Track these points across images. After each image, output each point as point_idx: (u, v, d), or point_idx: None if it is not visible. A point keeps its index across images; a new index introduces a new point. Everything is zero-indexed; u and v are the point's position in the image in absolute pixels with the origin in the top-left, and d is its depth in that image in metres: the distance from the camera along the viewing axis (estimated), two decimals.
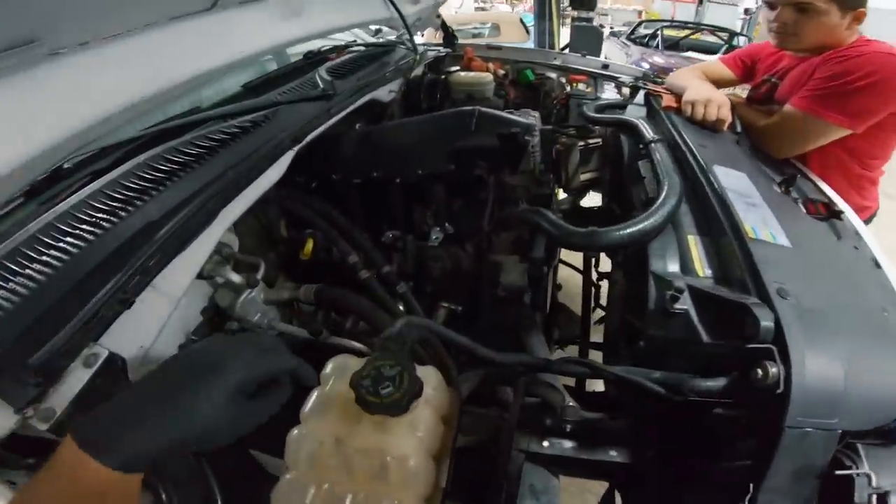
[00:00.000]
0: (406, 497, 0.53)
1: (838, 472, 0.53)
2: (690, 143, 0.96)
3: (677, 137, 1.02)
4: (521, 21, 6.31)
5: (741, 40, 6.22)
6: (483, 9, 13.96)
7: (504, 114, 1.02)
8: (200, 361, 0.44)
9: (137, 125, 1.02)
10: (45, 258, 0.62)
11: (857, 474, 0.53)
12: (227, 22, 1.03)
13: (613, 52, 6.95)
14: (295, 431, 0.56)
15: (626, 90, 1.61)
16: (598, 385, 1.09)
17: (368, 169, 1.05)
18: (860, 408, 0.54)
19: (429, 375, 0.61)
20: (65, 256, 0.63)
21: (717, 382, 0.57)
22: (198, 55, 0.97)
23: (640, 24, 7.16)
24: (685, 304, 0.63)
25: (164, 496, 0.58)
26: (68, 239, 0.66)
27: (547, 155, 1.05)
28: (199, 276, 0.79)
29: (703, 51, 5.94)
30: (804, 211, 0.90)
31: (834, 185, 1.12)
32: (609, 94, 1.69)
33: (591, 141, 1.28)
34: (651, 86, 1.42)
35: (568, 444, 0.69)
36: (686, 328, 0.63)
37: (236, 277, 0.84)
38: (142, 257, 0.64)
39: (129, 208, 0.72)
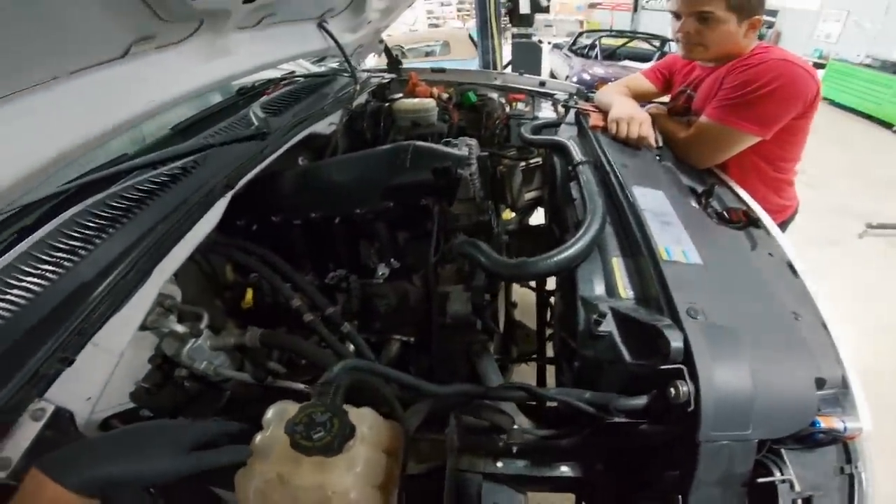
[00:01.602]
0: None
1: (760, 480, 0.56)
2: (613, 164, 1.00)
3: (603, 157, 1.07)
4: (471, 37, 6.46)
5: (672, 46, 6.60)
6: (436, 25, 14.19)
7: (438, 147, 1.04)
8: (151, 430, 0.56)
9: (61, 178, 0.98)
10: None
11: (780, 481, 0.56)
12: (144, 68, 1.00)
13: (557, 65, 7.17)
14: (241, 471, 0.58)
15: (561, 108, 1.67)
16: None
17: (307, 209, 1.04)
18: (772, 416, 0.57)
19: (363, 416, 0.65)
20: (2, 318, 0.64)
21: (640, 401, 0.60)
22: (114, 104, 0.95)
23: (580, 34, 7.35)
24: (609, 326, 0.67)
25: None
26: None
27: (486, 181, 1.08)
28: (143, 327, 0.81)
29: (639, 59, 6.19)
30: (721, 223, 0.96)
31: (753, 189, 1.17)
32: (546, 112, 1.74)
33: (531, 161, 1.32)
34: (581, 104, 1.48)
35: (521, 462, 0.71)
36: (611, 349, 0.66)
37: (180, 328, 0.85)
38: (78, 318, 0.65)
39: (60, 270, 0.72)
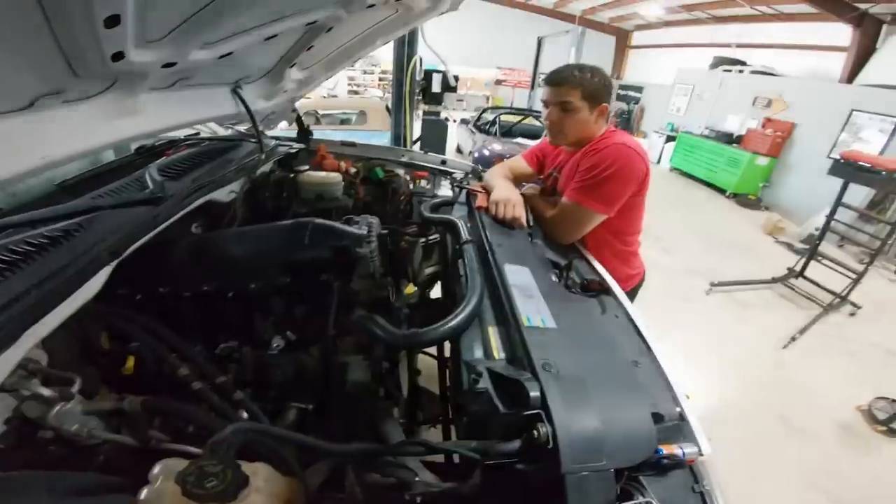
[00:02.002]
0: None
1: None
2: (491, 243, 1.18)
3: (484, 237, 1.23)
4: (387, 108, 6.77)
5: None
6: (356, 92, 14.52)
7: (338, 225, 1.11)
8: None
9: None
10: None
11: (641, 502, 0.66)
12: (46, 121, 0.95)
13: (463, 139, 7.69)
14: None
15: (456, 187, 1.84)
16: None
17: (199, 282, 1.03)
18: (621, 448, 0.67)
19: (257, 469, 0.67)
20: None
21: (514, 445, 0.69)
22: (9, 156, 0.88)
23: (484, 111, 7.95)
24: (485, 383, 0.77)
25: None
26: None
27: (385, 258, 1.16)
28: (1, 389, 0.74)
29: (530, 136, 6.83)
30: (579, 292, 1.17)
31: (605, 262, 1.36)
32: (445, 189, 1.92)
33: (430, 237, 1.43)
34: (473, 184, 1.67)
35: None
36: (489, 403, 0.76)
37: (46, 391, 0.80)
38: None
39: None
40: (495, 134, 6.81)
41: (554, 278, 1.16)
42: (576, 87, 1.34)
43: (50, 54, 0.81)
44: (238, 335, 1.07)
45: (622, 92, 13.08)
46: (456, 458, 1.20)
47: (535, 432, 0.65)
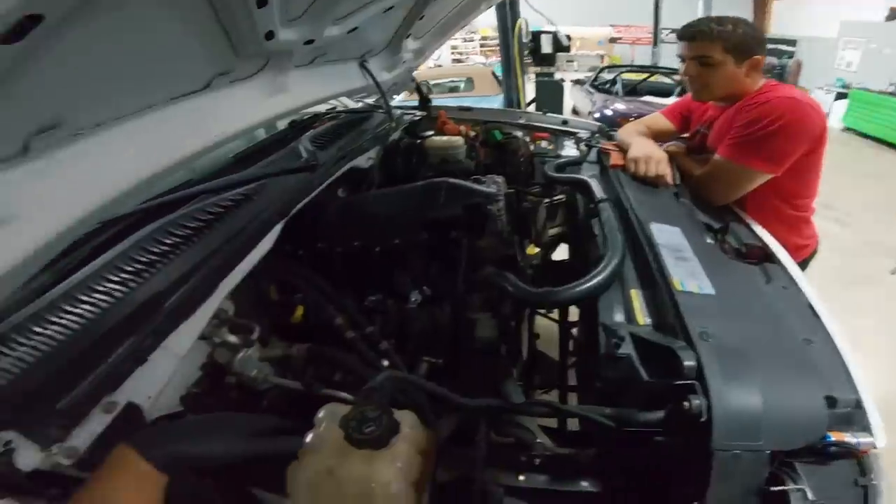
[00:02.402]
0: None
1: (773, 489, 0.60)
2: (632, 201, 1.08)
3: (622, 195, 1.15)
4: (494, 74, 6.69)
5: None
6: (460, 60, 14.60)
7: (470, 184, 1.13)
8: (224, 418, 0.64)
9: (142, 196, 1.09)
10: (66, 320, 0.71)
11: (792, 490, 0.60)
12: (220, 100, 1.10)
13: (579, 101, 7.22)
14: (294, 464, 0.64)
15: (583, 147, 1.75)
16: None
17: (350, 238, 1.15)
18: (782, 429, 0.62)
19: (405, 417, 0.71)
20: (82, 321, 0.72)
21: (656, 414, 0.66)
22: (195, 132, 1.04)
23: (601, 70, 7.41)
24: (627, 349, 0.73)
25: None
26: (84, 306, 0.75)
27: (512, 217, 1.16)
28: (200, 337, 0.88)
29: (659, 93, 6.20)
30: (737, 258, 1.02)
31: (770, 228, 1.20)
32: (569, 150, 1.82)
33: (555, 198, 1.39)
34: (603, 142, 1.56)
35: (542, 477, 0.75)
36: (630, 370, 0.72)
37: (233, 338, 0.93)
38: (154, 323, 0.74)
39: (139, 279, 0.82)
40: (617, 93, 6.28)
41: (710, 241, 1.03)
42: (714, 40, 1.22)
43: (217, 37, 0.93)
44: (381, 290, 1.17)
45: (770, 46, 11.13)
46: (572, 426, 1.19)
47: (686, 404, 0.61)
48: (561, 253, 1.57)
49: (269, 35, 1.02)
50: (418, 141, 1.80)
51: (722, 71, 1.24)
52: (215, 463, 0.59)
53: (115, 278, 0.81)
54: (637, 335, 0.76)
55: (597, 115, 5.75)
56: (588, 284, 0.84)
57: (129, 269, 0.84)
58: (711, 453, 0.59)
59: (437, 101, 2.35)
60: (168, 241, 0.92)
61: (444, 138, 1.77)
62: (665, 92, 6.27)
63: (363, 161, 1.56)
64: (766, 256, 1.05)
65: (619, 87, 6.34)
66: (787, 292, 0.94)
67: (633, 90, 6.54)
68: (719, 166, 1.25)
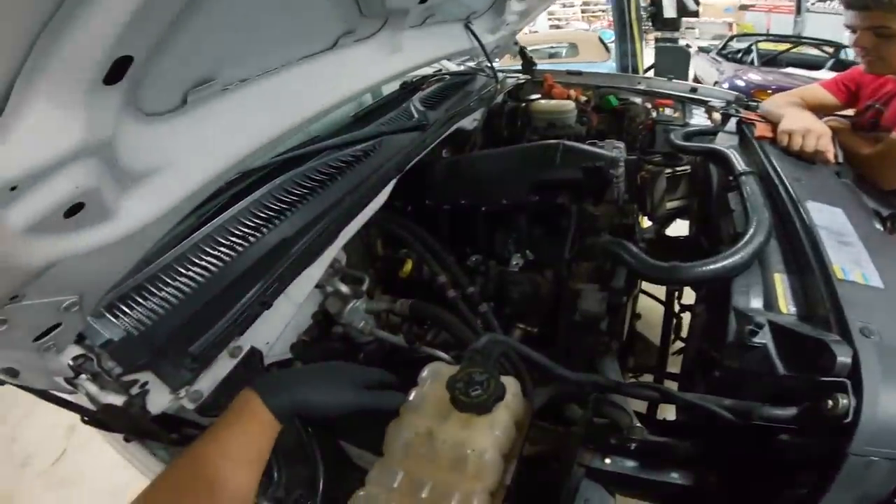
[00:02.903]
0: (476, 488, 0.60)
1: None
2: (784, 176, 0.94)
3: (770, 169, 1.00)
4: (601, 39, 6.19)
5: (850, 54, 5.57)
6: (558, 26, 13.77)
7: (589, 147, 1.06)
8: (336, 367, 0.64)
9: (274, 151, 1.16)
10: (203, 264, 0.77)
11: None
12: (344, 58, 1.13)
13: (703, 70, 6.53)
14: (394, 422, 0.66)
15: (717, 116, 1.57)
16: (667, 415, 1.08)
17: (457, 196, 1.15)
18: None
19: (510, 383, 0.69)
20: (219, 263, 0.78)
21: (787, 411, 0.59)
22: (323, 90, 1.07)
23: (731, 38, 6.64)
24: (764, 338, 0.66)
25: (274, 471, 0.69)
26: (222, 249, 0.81)
27: (631, 185, 1.08)
28: (315, 285, 0.92)
29: (806, 66, 5.38)
30: None
31: None
32: (698, 119, 1.64)
33: (678, 169, 1.27)
34: (744, 112, 1.38)
35: (630, 463, 0.71)
36: (762, 361, 0.65)
37: (345, 288, 0.98)
38: (281, 268, 0.77)
39: (269, 226, 0.88)
40: (751, 63, 5.55)
41: (878, 226, 0.86)
42: (891, 9, 1.03)
43: None
44: (483, 251, 1.16)
45: None
46: (665, 414, 1.10)
47: (830, 402, 0.55)
48: (677, 229, 1.43)
49: None
50: (523, 104, 1.73)
51: None
52: (329, 413, 0.59)
53: (250, 224, 0.87)
54: (778, 324, 0.67)
55: (725, 85, 5.13)
56: (724, 263, 0.75)
57: (262, 215, 0.90)
58: (844, 457, 0.53)
59: (542, 66, 2.25)
60: (296, 192, 0.99)
61: (553, 101, 1.70)
62: (814, 65, 5.41)
63: (468, 123, 1.54)
64: None
65: (754, 56, 5.61)
66: None
67: (771, 61, 5.75)
68: None
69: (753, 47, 5.72)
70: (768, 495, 0.63)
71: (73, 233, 0.49)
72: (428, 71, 2.05)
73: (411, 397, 0.68)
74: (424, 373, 0.71)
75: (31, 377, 0.55)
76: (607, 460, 0.71)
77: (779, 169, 0.97)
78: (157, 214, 0.61)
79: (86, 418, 0.63)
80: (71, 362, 0.57)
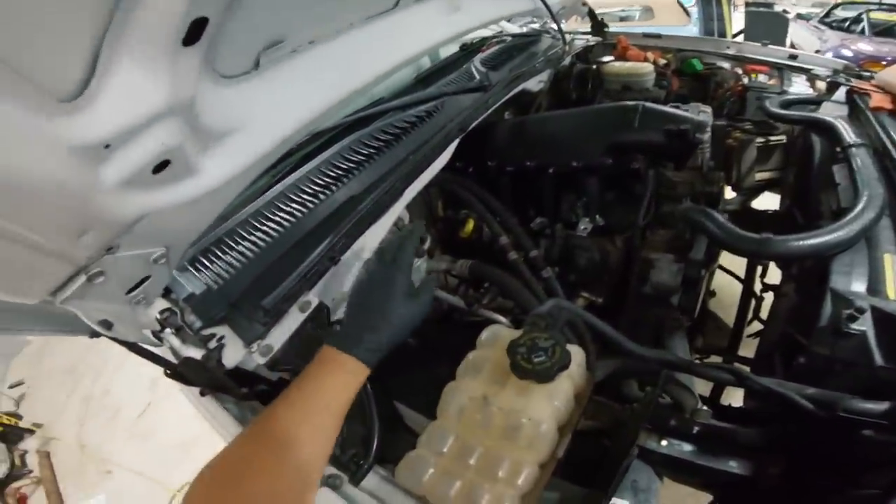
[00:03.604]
0: (527, 458, 0.59)
1: None
2: None
3: (887, 143, 0.88)
4: (679, 2, 5.65)
5: None
6: None
7: (672, 110, 0.98)
8: (380, 285, 0.62)
9: (341, 112, 1.18)
10: (277, 219, 0.80)
11: None
12: (406, 18, 1.11)
13: (802, 38, 5.93)
14: (451, 384, 0.65)
15: (821, 85, 1.40)
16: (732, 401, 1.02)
17: (523, 158, 1.11)
18: None
19: (575, 353, 0.66)
20: (291, 219, 0.80)
21: (879, 405, 0.55)
22: (388, 50, 1.07)
23: (836, 6, 5.97)
24: (864, 325, 0.60)
25: None
26: (294, 206, 0.84)
27: (717, 152, 0.99)
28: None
29: None
30: None
31: None
32: (798, 87, 1.47)
33: (772, 138, 1.15)
34: (856, 82, 1.22)
35: (688, 447, 0.68)
36: (858, 350, 0.61)
37: None
38: (348, 225, 0.79)
39: (338, 184, 0.90)
40: (861, 32, 5.03)
41: None
42: None
43: None
44: (547, 215, 1.12)
45: None
46: (730, 399, 1.03)
47: None
48: (765, 203, 1.31)
49: None
50: (594, 66, 1.63)
51: None
52: (404, 339, 0.59)
53: (319, 182, 0.90)
54: (883, 310, 0.62)
55: (829, 54, 4.62)
56: (826, 238, 0.69)
57: (331, 174, 0.92)
58: None
59: (614, 29, 2.10)
60: (363, 152, 1.00)
61: (628, 63, 1.60)
62: None
63: (533, 84, 1.47)
64: None
65: (865, 25, 5.06)
66: None
67: (885, 31, 5.12)
68: None
69: (864, 16, 5.16)
70: (833, 493, 0.60)
71: (160, 188, 0.52)
72: (488, 33, 1.98)
73: (469, 359, 0.67)
74: (484, 336, 0.70)
75: (123, 330, 0.58)
76: (664, 442, 0.69)
77: None
78: (236, 172, 0.63)
79: (168, 372, 0.67)
80: (158, 315, 0.60)
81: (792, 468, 0.64)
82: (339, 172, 0.94)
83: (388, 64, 1.09)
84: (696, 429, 0.70)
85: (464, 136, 1.10)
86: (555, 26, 1.70)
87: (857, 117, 1.07)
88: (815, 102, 1.20)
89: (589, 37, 1.99)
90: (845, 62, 1.52)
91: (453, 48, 1.78)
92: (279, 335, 0.66)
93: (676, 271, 0.87)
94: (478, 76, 1.32)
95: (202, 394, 0.74)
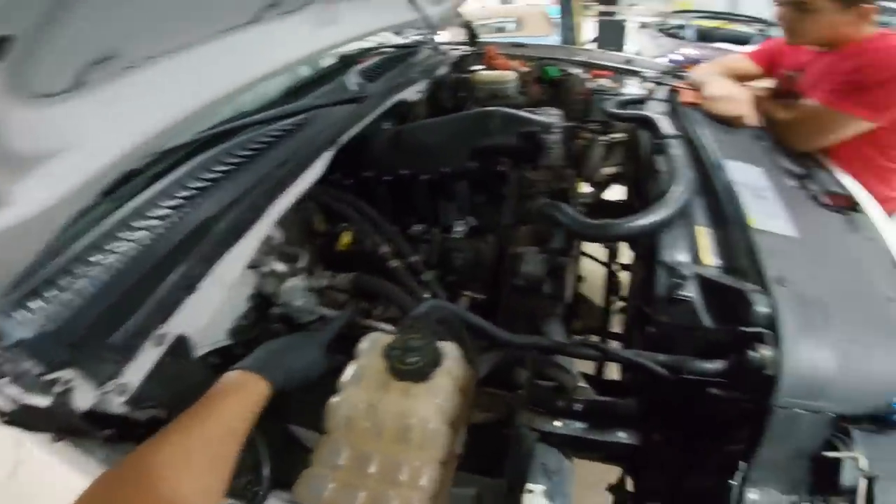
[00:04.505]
0: (424, 457, 0.59)
1: (826, 454, 0.56)
2: (707, 139, 0.99)
3: (695, 133, 1.05)
4: (546, 14, 6.24)
5: (776, 31, 5.97)
6: (507, 1, 13.68)
7: (523, 113, 1.07)
8: (303, 335, 0.70)
9: (193, 128, 1.10)
10: (120, 250, 0.72)
11: (846, 458, 0.55)
12: (269, 33, 1.08)
13: (644, 45, 6.79)
14: (334, 398, 0.63)
15: (650, 85, 1.63)
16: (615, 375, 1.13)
17: (397, 167, 1.13)
18: (852, 393, 0.57)
19: (449, 349, 0.68)
20: (137, 247, 0.73)
21: (715, 364, 0.61)
22: (244, 65, 1.03)
23: (670, 14, 6.95)
24: (690, 291, 0.68)
25: None
26: (140, 233, 0.76)
27: (567, 150, 1.10)
28: (248, 266, 0.87)
29: (737, 41, 5.66)
30: (820, 204, 0.92)
31: (858, 177, 1.12)
32: (633, 89, 1.69)
33: (614, 136, 1.31)
34: (673, 81, 1.44)
35: (579, 424, 0.72)
36: (690, 314, 0.67)
37: (281, 266, 0.94)
38: (203, 249, 0.73)
39: (192, 205, 0.82)
40: (688, 38, 5.84)
41: (793, 183, 0.93)
42: None
43: None
44: (426, 220, 1.16)
45: None
46: (609, 373, 1.15)
47: (752, 354, 0.56)
48: (615, 194, 1.49)
49: None
50: (466, 76, 1.72)
51: (821, 18, 1.15)
52: (309, 377, 0.64)
53: (168, 205, 0.83)
54: (702, 276, 0.70)
55: (665, 60, 5.38)
56: (650, 218, 0.78)
57: (181, 196, 0.85)
58: (770, 410, 0.55)
59: (487, 39, 2.24)
60: (219, 170, 0.93)
61: (494, 72, 1.70)
62: (742, 40, 5.78)
63: (411, 94, 1.51)
64: (853, 205, 0.95)
65: (692, 32, 5.89)
66: (872, 244, 0.85)
67: (706, 36, 6.07)
68: (811, 110, 1.17)
69: (690, 24, 5.97)
70: (709, 452, 0.64)
71: None
72: (369, 44, 1.99)
73: (350, 371, 0.66)
74: (363, 344, 0.69)
75: None
76: (557, 423, 0.72)
77: (703, 132, 1.03)
78: (59, 198, 0.57)
79: (5, 419, 0.59)
80: None
81: (670, 432, 0.70)
82: (192, 193, 0.86)
83: (243, 79, 1.04)
84: (579, 406, 0.74)
85: (342, 148, 1.08)
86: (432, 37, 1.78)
87: (674, 112, 1.25)
88: (644, 101, 1.38)
89: (463, 47, 2.09)
90: (673, 65, 1.79)
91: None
92: (136, 372, 0.61)
93: (541, 261, 0.94)
94: (353, 87, 1.31)
95: (56, 439, 0.65)
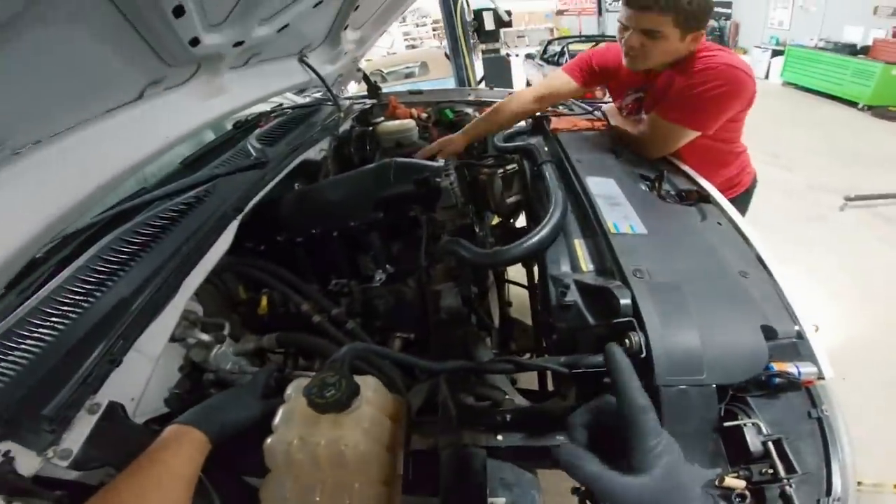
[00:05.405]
0: (363, 479, 0.63)
1: (726, 424, 0.59)
2: (571, 159, 1.14)
3: (563, 156, 1.19)
4: (447, 56, 6.67)
5: None
6: (414, 46, 14.36)
7: (417, 161, 1.17)
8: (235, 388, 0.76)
9: (93, 210, 1.09)
10: (36, 335, 0.74)
11: (746, 424, 0.58)
12: (156, 108, 1.10)
13: (532, 74, 7.33)
14: (269, 439, 0.67)
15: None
16: None
17: (307, 227, 1.17)
18: (724, 362, 0.61)
19: (367, 381, 0.73)
20: (54, 332, 0.75)
21: (599, 357, 0.67)
22: (135, 141, 1.05)
23: (549, 42, 7.49)
24: (573, 296, 0.76)
25: None
26: (53, 319, 0.77)
27: (465, 189, 1.20)
28: (173, 339, 0.90)
29: None
30: (672, 201, 1.09)
31: (705, 168, 1.24)
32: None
33: (508, 167, 1.43)
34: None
35: (518, 435, 0.74)
36: (578, 316, 0.75)
37: (205, 336, 0.96)
38: (122, 326, 0.76)
39: (103, 289, 0.83)
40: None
41: (644, 188, 1.09)
42: (667, 12, 1.18)
43: (141, 49, 0.93)
44: (345, 273, 1.20)
45: None
46: (550, 384, 1.23)
47: (627, 342, 0.62)
48: (524, 221, 1.62)
49: (194, 42, 1.03)
50: (370, 128, 1.81)
51: (666, 45, 1.23)
52: (245, 426, 0.69)
53: (80, 290, 0.83)
54: (580, 281, 0.78)
55: None
56: (533, 240, 0.89)
57: (92, 279, 0.86)
58: (656, 391, 0.58)
59: (391, 87, 2.38)
60: (126, 250, 0.93)
61: (396, 122, 1.80)
62: None
63: (315, 153, 1.56)
64: (702, 198, 1.10)
65: (566, 58, 6.37)
66: (721, 228, 0.97)
67: None
68: (657, 126, 1.31)
69: (566, 49, 6.49)
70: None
71: None
72: (266, 107, 2.03)
73: (279, 414, 0.69)
74: (289, 389, 0.73)
75: None
76: (500, 437, 0.73)
77: (568, 154, 1.18)
78: None
79: None
80: None
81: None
82: (102, 276, 0.87)
83: (136, 156, 1.06)
84: (509, 416, 0.76)
85: (250, 215, 1.10)
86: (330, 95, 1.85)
87: (547, 138, 1.40)
88: (528, 132, 1.53)
89: (366, 100, 2.19)
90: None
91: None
92: (75, 438, 0.65)
93: (457, 294, 1.03)
94: (254, 153, 1.34)
95: (7, 501, 0.63)
